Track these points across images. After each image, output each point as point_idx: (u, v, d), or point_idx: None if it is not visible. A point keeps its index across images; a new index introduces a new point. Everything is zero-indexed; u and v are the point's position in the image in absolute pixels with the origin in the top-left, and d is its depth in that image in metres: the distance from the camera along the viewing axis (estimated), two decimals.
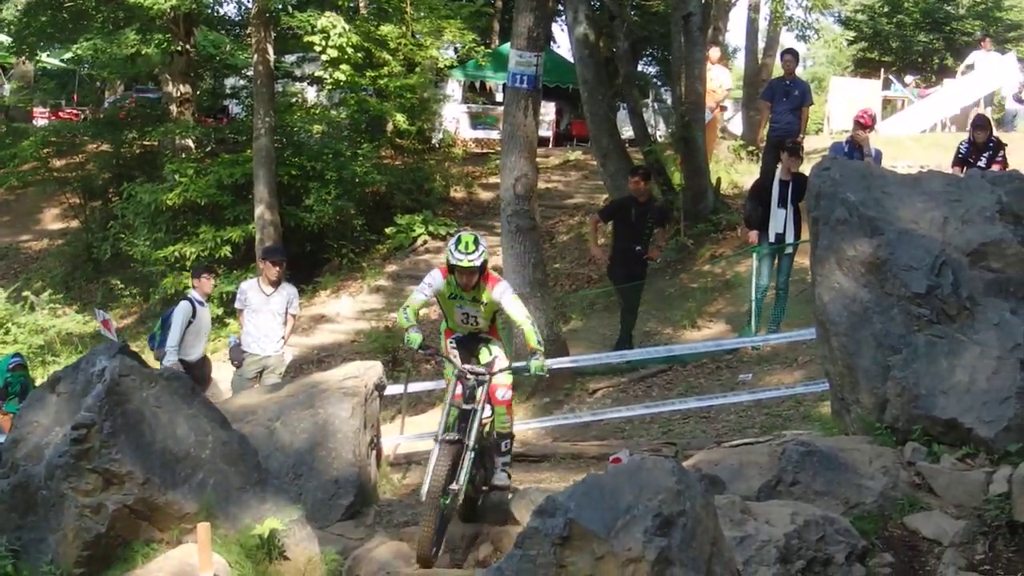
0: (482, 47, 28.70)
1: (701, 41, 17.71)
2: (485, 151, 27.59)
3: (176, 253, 20.87)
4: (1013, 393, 6.64)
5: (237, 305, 11.60)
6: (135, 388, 6.23)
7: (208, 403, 6.84)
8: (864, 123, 13.20)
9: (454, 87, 30.07)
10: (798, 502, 6.13)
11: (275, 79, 22.94)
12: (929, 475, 6.59)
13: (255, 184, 20.54)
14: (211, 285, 11.97)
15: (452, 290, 7.64)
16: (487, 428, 7.62)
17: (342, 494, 8.53)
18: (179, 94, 24.14)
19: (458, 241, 7.42)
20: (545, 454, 10.83)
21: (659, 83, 36.20)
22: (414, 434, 11.83)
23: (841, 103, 26.40)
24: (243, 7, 29.80)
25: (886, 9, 36.90)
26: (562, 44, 35.69)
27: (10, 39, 27.17)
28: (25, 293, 21.22)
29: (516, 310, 7.58)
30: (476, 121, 29.58)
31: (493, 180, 23.07)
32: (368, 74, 23.72)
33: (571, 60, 20.86)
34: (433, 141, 27.43)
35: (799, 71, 20.19)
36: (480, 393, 7.34)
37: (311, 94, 27.20)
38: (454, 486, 7.08)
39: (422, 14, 25.47)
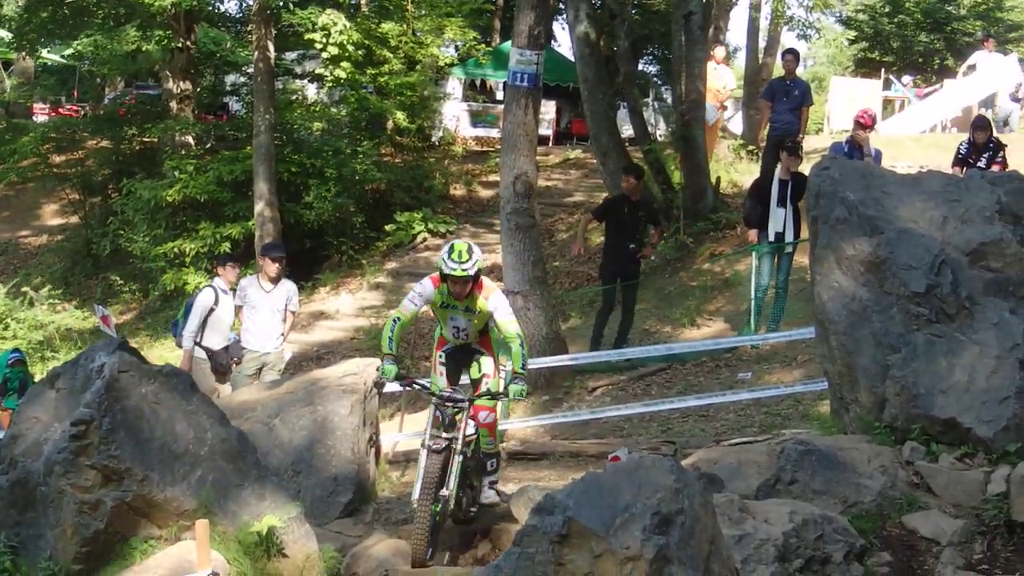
0: (483, 45, 28.70)
1: (702, 40, 17.71)
2: (485, 149, 27.59)
3: (175, 249, 20.86)
4: (1012, 393, 6.64)
5: (236, 302, 11.59)
6: (134, 384, 6.23)
7: (207, 400, 6.83)
8: (864, 123, 13.20)
9: (454, 85, 30.07)
10: (796, 501, 6.13)
11: (275, 76, 22.92)
12: (927, 474, 6.59)
13: (255, 181, 20.54)
14: (235, 274, 11.92)
15: (444, 299, 7.49)
16: (471, 447, 7.50)
17: (341, 491, 8.54)
18: (179, 91, 24.13)
19: (451, 250, 7.23)
20: (544, 452, 10.82)
21: (659, 82, 36.24)
22: (413, 432, 11.79)
23: (841, 103, 26.39)
24: (244, 4, 29.88)
25: (887, 9, 36.88)
26: (563, 42, 35.76)
27: (11, 35, 27.13)
28: (24, 289, 21.21)
29: (508, 325, 7.42)
30: (476, 119, 29.59)
31: (493, 178, 23.07)
32: (368, 71, 23.71)
33: (572, 58, 20.86)
34: (433, 139, 27.44)
35: (799, 71, 20.20)
36: (461, 419, 7.25)
37: (311, 91, 27.20)
38: (444, 492, 7.06)
39: (423, 12, 25.45)
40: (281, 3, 22.79)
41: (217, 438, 6.43)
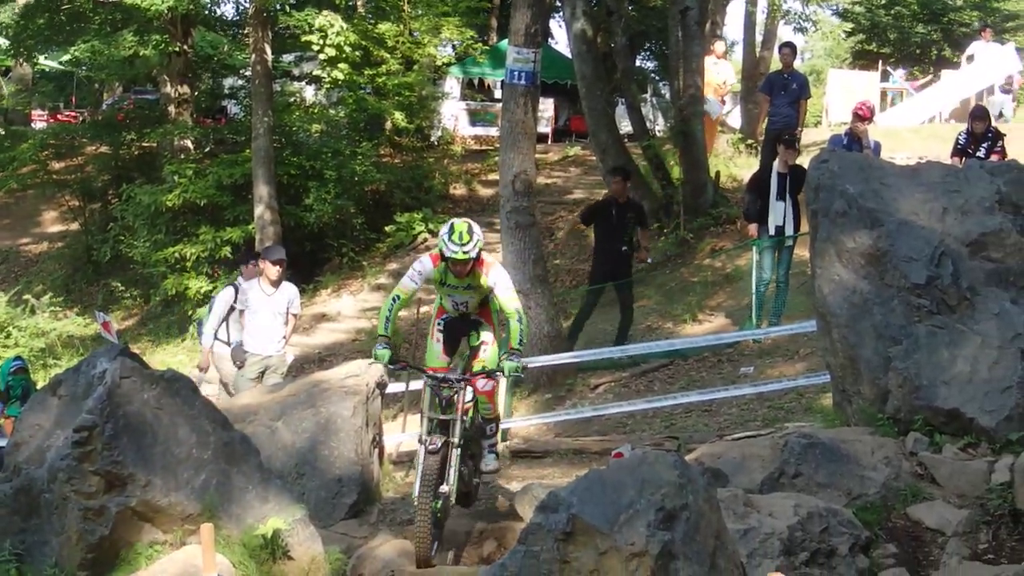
0: (480, 44, 28.67)
1: (699, 35, 17.70)
2: (484, 148, 27.57)
3: (176, 254, 20.86)
4: (1014, 382, 6.64)
5: (238, 306, 11.59)
6: (136, 390, 6.23)
7: (209, 404, 6.83)
8: (863, 115, 13.21)
9: (452, 84, 30.06)
10: (801, 494, 6.13)
11: (273, 79, 22.92)
12: (931, 465, 6.60)
13: (254, 184, 20.53)
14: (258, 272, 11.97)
15: (443, 277, 7.48)
16: (470, 414, 7.49)
17: (345, 493, 8.52)
18: (177, 95, 24.12)
19: (451, 230, 7.16)
20: (547, 450, 10.83)
21: (657, 78, 36.18)
22: (416, 432, 11.81)
23: (839, 95, 26.38)
24: (240, 7, 29.78)
25: (883, 1, 36.82)
26: (560, 40, 35.81)
27: (8, 42, 27.10)
28: (26, 296, 21.21)
29: (509, 301, 7.39)
30: (475, 118, 29.58)
31: (492, 177, 23.05)
32: (366, 72, 23.70)
33: (569, 56, 20.86)
34: (432, 139, 27.44)
35: (797, 64, 20.17)
36: (458, 399, 7.22)
37: (309, 93, 27.20)
38: (444, 488, 7.06)
39: (420, 12, 25.45)
40: (278, 5, 22.78)
41: (220, 442, 6.43)
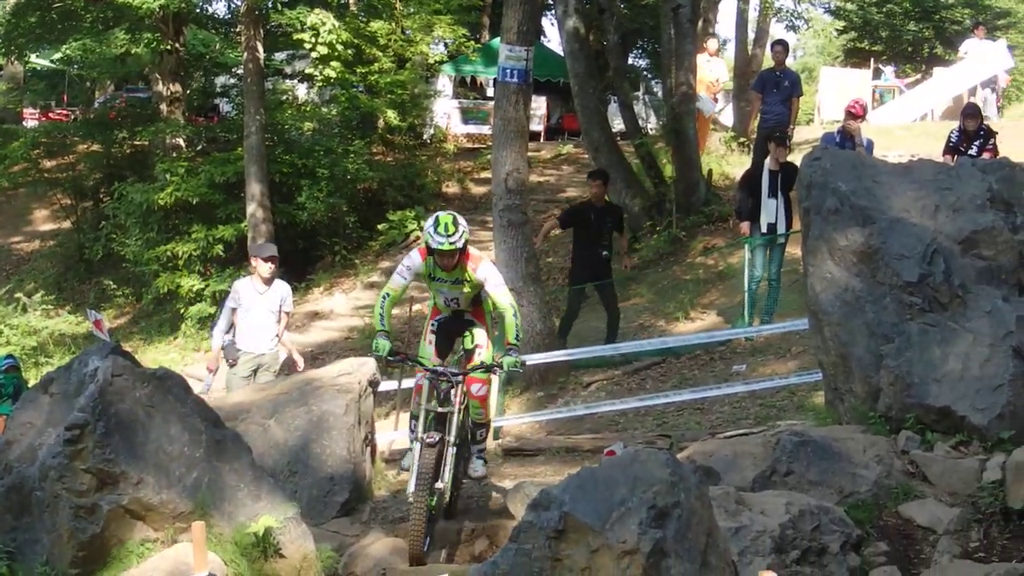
0: (472, 42, 28.69)
1: (691, 33, 17.71)
2: (477, 146, 27.56)
3: (168, 252, 20.85)
4: (1006, 380, 6.63)
5: (230, 304, 11.58)
6: (128, 388, 6.21)
7: (201, 402, 6.81)
8: (855, 113, 13.21)
9: (445, 82, 30.05)
10: (792, 492, 6.12)
11: (265, 77, 22.92)
12: (923, 463, 6.59)
13: (247, 182, 20.52)
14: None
15: (432, 271, 7.50)
16: (461, 416, 7.51)
17: (337, 491, 8.52)
18: (169, 93, 24.09)
19: (436, 223, 7.20)
20: (539, 448, 10.83)
21: (650, 75, 36.23)
22: (408, 430, 11.81)
23: (831, 93, 26.40)
24: (232, 5, 29.79)
25: None
26: (552, 38, 35.67)
27: None
28: (17, 295, 21.20)
29: (500, 295, 7.44)
30: (467, 116, 29.56)
31: (485, 175, 23.05)
32: (358, 70, 23.69)
33: (561, 54, 20.84)
34: (424, 137, 27.43)
35: (789, 61, 20.20)
36: (455, 394, 7.26)
37: (301, 91, 27.19)
38: (439, 484, 7.07)
39: (412, 10, 25.45)
40: (269, 3, 22.78)
41: (212, 440, 6.41)
